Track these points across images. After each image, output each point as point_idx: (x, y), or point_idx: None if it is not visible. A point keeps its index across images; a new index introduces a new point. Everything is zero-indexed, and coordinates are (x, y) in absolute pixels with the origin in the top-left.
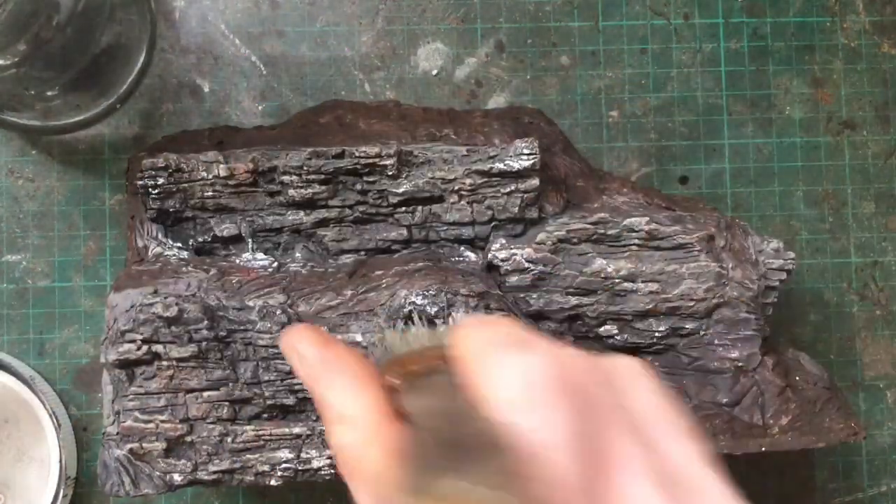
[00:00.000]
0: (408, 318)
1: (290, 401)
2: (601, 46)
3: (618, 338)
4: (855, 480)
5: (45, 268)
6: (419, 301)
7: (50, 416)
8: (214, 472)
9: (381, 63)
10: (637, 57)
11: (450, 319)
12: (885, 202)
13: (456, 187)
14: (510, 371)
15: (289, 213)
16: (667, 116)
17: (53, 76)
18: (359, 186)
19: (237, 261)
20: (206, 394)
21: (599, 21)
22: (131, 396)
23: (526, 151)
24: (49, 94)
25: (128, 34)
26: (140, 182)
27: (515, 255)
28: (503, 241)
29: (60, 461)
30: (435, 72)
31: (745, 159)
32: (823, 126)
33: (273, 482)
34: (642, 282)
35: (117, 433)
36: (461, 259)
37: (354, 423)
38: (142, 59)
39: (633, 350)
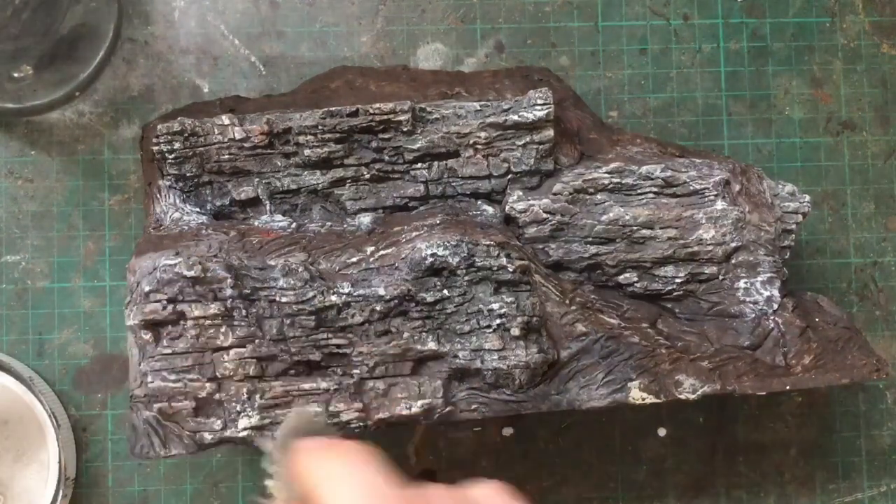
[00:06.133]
0: None
1: (317, 356)
2: (601, 47)
3: (637, 285)
4: (855, 480)
5: (45, 268)
6: (441, 252)
7: (49, 416)
8: (244, 429)
9: (380, 63)
10: (636, 57)
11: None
12: (885, 202)
13: (471, 141)
14: None
15: (305, 173)
16: (666, 117)
17: (19, 54)
18: (374, 144)
19: (255, 223)
20: (232, 351)
21: (599, 21)
22: (158, 357)
23: (540, 102)
24: (16, 74)
25: (94, 16)
26: (156, 147)
27: (533, 206)
28: (520, 194)
29: (60, 462)
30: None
31: (745, 159)
32: (823, 126)
33: None
34: (660, 228)
35: (145, 395)
36: (479, 213)
37: None
38: (108, 39)
39: (653, 297)
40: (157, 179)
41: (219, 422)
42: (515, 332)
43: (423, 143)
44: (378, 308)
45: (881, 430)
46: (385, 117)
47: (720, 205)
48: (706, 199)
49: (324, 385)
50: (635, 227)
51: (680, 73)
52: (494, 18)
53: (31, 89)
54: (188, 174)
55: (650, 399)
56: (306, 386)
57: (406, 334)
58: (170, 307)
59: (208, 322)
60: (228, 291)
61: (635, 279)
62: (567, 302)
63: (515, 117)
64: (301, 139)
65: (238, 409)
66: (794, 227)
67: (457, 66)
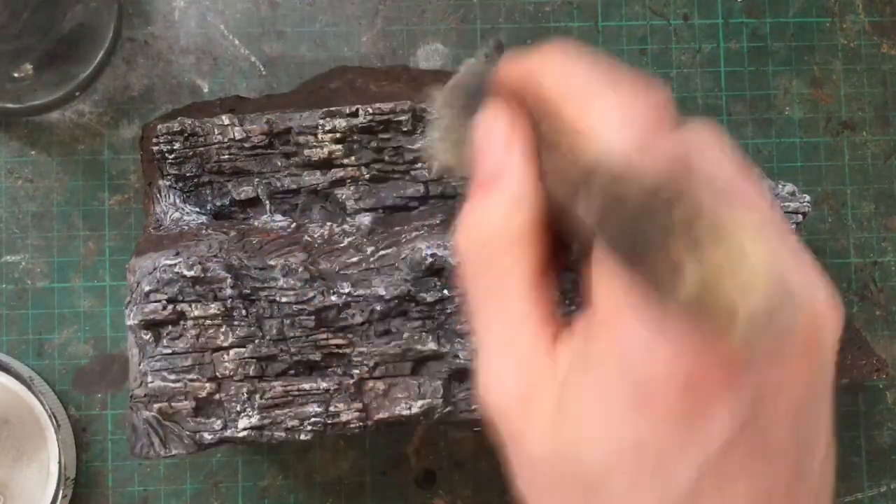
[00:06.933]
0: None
1: (317, 356)
2: (601, 47)
3: None
4: (855, 480)
5: (45, 268)
6: (441, 252)
7: (49, 416)
8: (244, 429)
9: (380, 63)
10: (636, 57)
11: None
12: (885, 202)
13: None
14: (617, 111)
15: (305, 173)
16: None
17: (19, 54)
18: (374, 144)
19: (255, 223)
20: (232, 351)
21: (599, 21)
22: (158, 357)
23: None
24: (16, 74)
25: (94, 16)
26: (156, 147)
27: None
28: None
29: (60, 462)
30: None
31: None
32: (823, 126)
33: (303, 436)
34: None
35: (145, 395)
36: None
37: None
38: (108, 39)
39: None
40: (157, 179)
41: (219, 422)
42: None
43: (424, 143)
44: (378, 308)
45: (881, 430)
46: (385, 117)
47: None
48: None
49: (324, 385)
50: None
51: (680, 73)
52: (494, 18)
53: (31, 89)
54: (188, 174)
55: None
56: (306, 386)
57: (406, 334)
58: (170, 307)
59: (208, 322)
60: (228, 291)
61: None
62: (567, 302)
63: None
64: (301, 139)
65: (238, 409)
66: (794, 227)
67: (457, 66)
